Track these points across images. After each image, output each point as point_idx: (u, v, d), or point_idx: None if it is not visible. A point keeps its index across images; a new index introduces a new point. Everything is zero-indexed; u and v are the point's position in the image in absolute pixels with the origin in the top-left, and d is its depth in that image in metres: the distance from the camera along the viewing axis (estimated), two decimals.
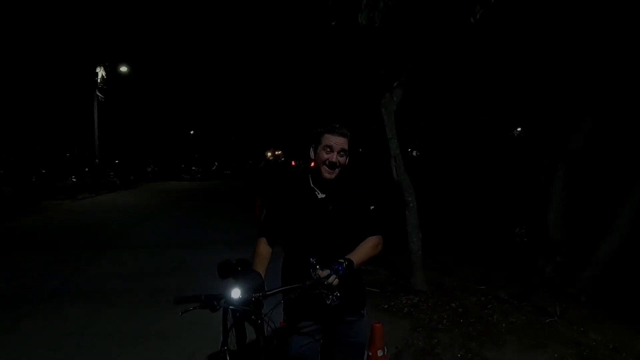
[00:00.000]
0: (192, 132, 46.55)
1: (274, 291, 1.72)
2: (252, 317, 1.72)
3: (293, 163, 33.52)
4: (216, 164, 38.81)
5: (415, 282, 5.11)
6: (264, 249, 2.00)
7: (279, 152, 64.27)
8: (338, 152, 1.88)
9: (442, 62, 5.30)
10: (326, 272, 1.67)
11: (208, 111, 44.32)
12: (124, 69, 24.77)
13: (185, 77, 36.77)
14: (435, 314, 4.48)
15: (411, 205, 5.04)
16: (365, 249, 1.93)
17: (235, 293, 1.64)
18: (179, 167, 33.89)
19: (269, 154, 66.90)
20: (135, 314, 4.55)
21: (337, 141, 1.88)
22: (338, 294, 1.71)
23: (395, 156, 5.04)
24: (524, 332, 4.11)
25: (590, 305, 5.11)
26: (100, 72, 23.19)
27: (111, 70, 24.13)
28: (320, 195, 1.95)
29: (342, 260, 1.77)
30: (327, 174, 1.88)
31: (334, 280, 1.67)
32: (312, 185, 1.98)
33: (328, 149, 1.88)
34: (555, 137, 5.73)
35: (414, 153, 22.64)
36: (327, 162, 1.87)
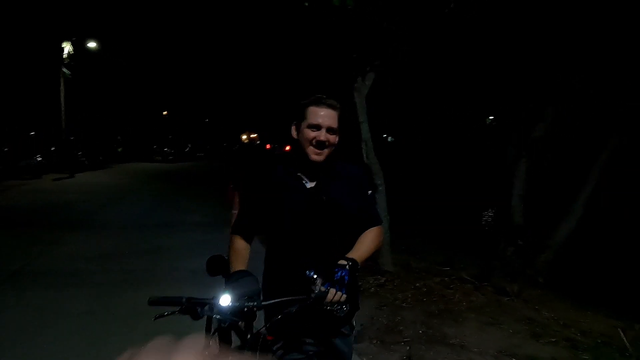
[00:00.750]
0: (165, 112, 45.43)
1: (271, 302, 1.44)
2: (242, 329, 1.52)
3: (268, 146, 33.28)
4: (189, 145, 38.15)
5: (382, 263, 5.26)
6: (241, 245, 1.73)
7: (255, 135, 63.61)
8: (327, 129, 1.59)
9: (416, 48, 5.36)
10: (332, 291, 1.43)
11: (182, 92, 43.29)
12: (92, 44, 23.77)
13: (158, 57, 35.68)
14: (400, 293, 4.65)
15: (380, 188, 5.15)
16: (367, 244, 1.69)
17: (225, 300, 1.37)
18: (150, 148, 33.13)
19: (244, 137, 66.09)
20: (104, 295, 4.51)
21: (326, 115, 1.60)
22: (345, 307, 1.48)
23: (366, 140, 5.11)
24: (482, 310, 4.32)
25: (546, 286, 5.41)
26: (67, 47, 22.15)
27: (79, 46, 23.10)
28: (309, 184, 1.66)
29: (345, 262, 1.51)
30: (315, 155, 1.59)
31: (340, 297, 1.44)
32: (297, 173, 1.68)
33: (314, 126, 1.60)
34: (520, 126, 5.94)
35: (389, 139, 22.91)
36: (314, 141, 1.59)
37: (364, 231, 1.73)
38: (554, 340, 3.72)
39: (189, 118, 51.00)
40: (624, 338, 3.68)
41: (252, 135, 65.82)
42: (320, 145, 1.59)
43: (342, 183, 1.69)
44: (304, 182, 1.66)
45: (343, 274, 1.46)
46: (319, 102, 1.62)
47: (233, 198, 8.20)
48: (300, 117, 1.65)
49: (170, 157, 32.41)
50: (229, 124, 58.18)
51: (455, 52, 6.29)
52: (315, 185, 1.66)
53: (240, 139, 63.66)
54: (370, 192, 1.80)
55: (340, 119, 1.65)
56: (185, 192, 14.57)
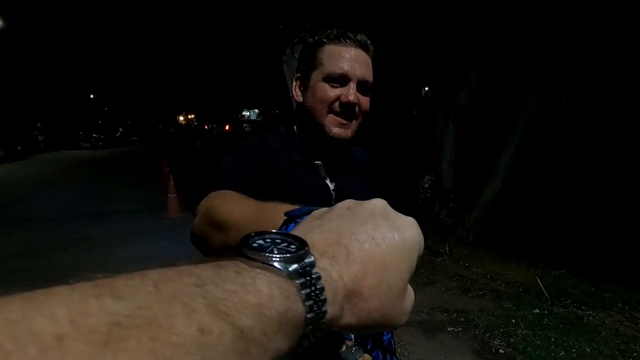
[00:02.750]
0: (92, 96, 42.19)
1: None
2: None
3: (206, 127, 32.16)
4: (121, 130, 35.85)
5: None
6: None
7: (192, 116, 61.19)
8: (358, 83, 0.99)
9: (346, 15, 5.31)
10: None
11: (110, 73, 40.30)
12: None
13: (82, 34, 32.69)
14: None
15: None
16: None
17: None
18: (77, 134, 30.77)
19: (181, 118, 63.39)
20: None
21: (356, 59, 0.99)
22: None
23: None
24: (417, 271, 4.52)
25: (476, 244, 5.79)
26: None
27: None
28: (331, 185, 1.07)
29: None
30: (339, 127, 1.00)
31: None
32: (314, 161, 1.07)
33: (337, 78, 0.99)
34: (444, 92, 6.16)
35: None
36: (336, 103, 0.99)
37: None
38: (481, 293, 4.00)
39: (120, 100, 47.84)
40: (541, 285, 4.03)
41: (189, 116, 63.26)
42: (348, 109, 0.99)
43: (361, 178, 1.15)
44: (324, 177, 1.07)
45: (389, 336, 0.94)
46: (343, 37, 1.00)
47: (168, 181, 7.89)
48: (308, 63, 1.03)
49: (100, 144, 30.33)
50: (163, 105, 55.35)
51: (387, 16, 6.30)
52: (337, 184, 1.08)
53: (176, 120, 60.98)
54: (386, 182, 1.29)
55: (375, 70, 1.04)
56: (117, 179, 13.75)
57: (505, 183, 6.03)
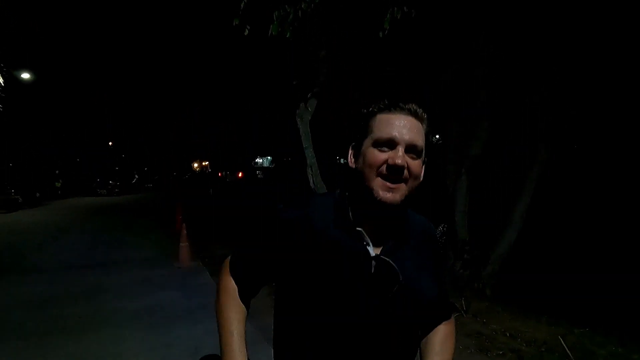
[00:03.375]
0: (110, 143, 43.61)
1: None
2: None
3: (220, 174, 32.69)
4: (136, 176, 36.71)
5: None
6: (236, 308, 1.13)
7: (206, 163, 62.38)
8: (406, 146, 1.01)
9: (354, 73, 5.53)
10: None
11: (128, 121, 41.83)
12: (25, 75, 22.55)
13: (102, 84, 34.36)
14: None
15: None
16: (448, 354, 1.17)
17: None
18: (94, 181, 31.52)
19: (196, 165, 64.65)
20: (34, 347, 4.11)
21: (405, 125, 1.02)
22: None
23: (312, 165, 5.14)
24: None
25: (493, 298, 5.59)
26: None
27: (10, 77, 21.84)
28: (373, 251, 1.04)
29: None
30: (386, 191, 0.99)
31: None
32: (356, 226, 1.05)
33: (385, 142, 1.01)
34: (453, 142, 6.22)
35: (342, 161, 23.25)
36: (383, 166, 1.00)
37: (433, 328, 1.19)
38: (501, 352, 3.81)
39: (136, 148, 49.24)
40: (565, 345, 3.83)
41: (203, 163, 64.50)
42: (395, 172, 0.99)
43: (413, 248, 1.09)
44: (365, 243, 1.04)
45: None
46: (393, 107, 1.04)
47: (181, 230, 7.93)
48: (362, 132, 1.07)
49: (116, 190, 30.99)
50: (178, 152, 56.71)
51: (392, 72, 6.51)
52: (383, 251, 1.04)
53: (191, 167, 62.19)
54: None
55: (428, 140, 1.07)
56: (130, 226, 13.87)
57: (521, 232, 5.92)
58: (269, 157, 43.04)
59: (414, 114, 1.03)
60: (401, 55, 6.12)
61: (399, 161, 0.97)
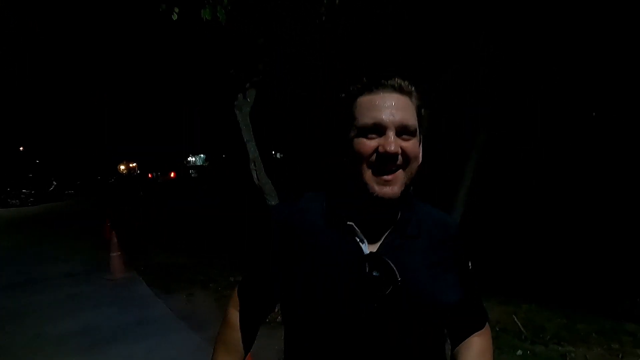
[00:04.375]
0: (21, 148, 39.35)
1: None
2: None
3: (150, 175, 30.86)
4: (55, 183, 33.47)
5: None
6: (229, 355, 1.05)
7: (134, 165, 58.79)
8: (398, 129, 0.86)
9: (296, 61, 5.25)
10: None
11: (43, 123, 37.97)
12: None
13: (8, 82, 30.74)
14: None
15: None
16: None
17: None
18: (3, 191, 28.25)
19: (122, 167, 60.66)
20: None
21: (391, 104, 0.86)
22: None
23: (254, 160, 4.82)
24: None
25: None
26: None
27: None
28: (368, 248, 0.91)
29: None
30: (381, 185, 0.86)
31: None
32: (347, 221, 0.91)
33: (372, 128, 0.86)
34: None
35: (278, 155, 22.91)
36: (373, 156, 0.86)
37: (463, 339, 1.02)
38: None
39: (54, 151, 44.96)
40: (518, 322, 3.92)
41: (131, 165, 60.72)
42: (388, 161, 0.85)
43: (424, 246, 0.93)
44: (357, 239, 0.91)
45: None
46: (374, 85, 0.88)
47: (111, 238, 7.20)
48: (344, 120, 0.91)
49: (31, 199, 28.00)
50: (102, 154, 52.73)
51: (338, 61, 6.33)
52: (380, 249, 0.91)
53: (117, 169, 58.28)
54: (470, 263, 1.02)
55: (421, 115, 0.91)
56: (50, 239, 12.51)
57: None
58: (202, 155, 41.47)
59: (400, 90, 0.90)
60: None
61: (391, 148, 0.84)
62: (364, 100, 0.89)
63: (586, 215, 7.10)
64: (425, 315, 0.90)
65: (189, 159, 42.53)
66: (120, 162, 59.99)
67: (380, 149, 0.85)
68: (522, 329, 3.84)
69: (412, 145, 0.87)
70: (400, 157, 0.86)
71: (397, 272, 0.86)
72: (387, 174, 0.86)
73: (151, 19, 5.35)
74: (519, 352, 3.47)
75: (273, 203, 4.87)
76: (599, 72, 6.17)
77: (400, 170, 0.87)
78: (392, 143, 0.84)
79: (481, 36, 4.93)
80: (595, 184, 7.33)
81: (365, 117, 0.87)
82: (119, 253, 6.89)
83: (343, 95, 0.93)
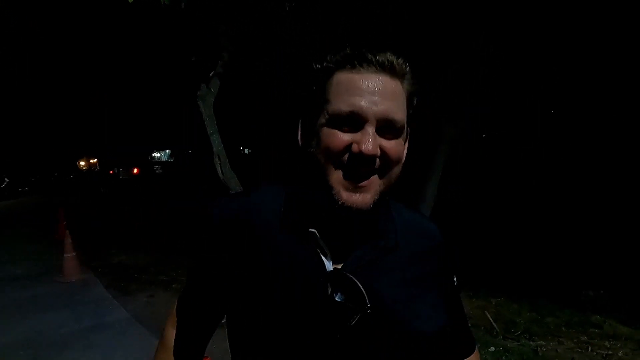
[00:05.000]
0: None
1: None
2: None
3: (111, 172, 29.66)
4: (7, 180, 31.60)
5: None
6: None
7: (94, 161, 56.46)
8: (379, 123, 0.67)
9: (262, 49, 5.00)
10: None
11: None
12: None
13: None
14: None
15: None
16: None
17: None
18: None
19: (82, 163, 58.14)
20: None
21: (376, 89, 0.67)
22: None
23: (219, 153, 4.56)
24: None
25: None
26: None
27: None
28: (331, 264, 0.73)
29: None
30: (351, 193, 0.68)
31: None
32: (309, 228, 0.73)
33: (347, 120, 0.68)
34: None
35: (246, 151, 22.46)
36: (346, 156, 0.68)
37: None
38: None
39: (6, 146, 42.39)
40: (490, 318, 3.89)
41: (91, 161, 58.28)
42: (362, 163, 0.67)
43: (402, 261, 0.76)
44: (319, 252, 0.73)
45: None
46: (358, 60, 0.69)
47: (65, 238, 6.73)
48: (313, 100, 0.73)
49: None
50: (60, 150, 50.23)
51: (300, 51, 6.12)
52: (347, 265, 0.72)
53: (77, 165, 55.79)
54: (456, 278, 0.85)
55: (413, 103, 0.74)
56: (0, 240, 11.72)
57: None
58: (167, 151, 40.28)
59: (391, 70, 0.69)
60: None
61: (367, 148, 0.65)
62: (342, 78, 0.69)
63: (568, 212, 7.24)
64: (401, 349, 0.72)
65: (153, 154, 41.23)
66: (80, 158, 57.50)
67: (355, 148, 0.66)
68: (494, 324, 3.81)
69: (396, 146, 0.69)
70: (378, 159, 0.67)
71: (366, 297, 0.68)
72: (360, 180, 0.67)
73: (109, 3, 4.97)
74: (492, 348, 3.42)
75: None
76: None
77: (376, 176, 0.68)
78: (370, 141, 0.65)
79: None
80: (588, 183, 7.48)
81: (340, 102, 0.67)
82: (74, 254, 6.46)
83: (317, 65, 0.73)
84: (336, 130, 0.68)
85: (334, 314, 0.69)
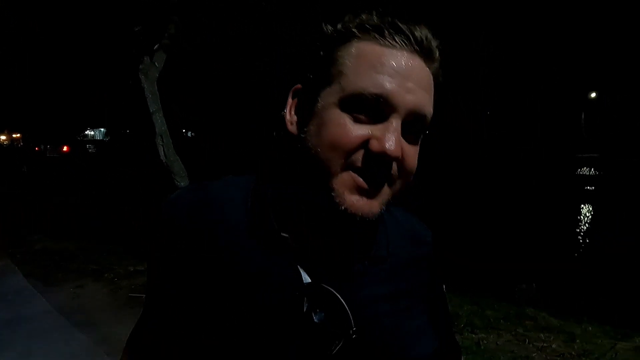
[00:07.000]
0: None
1: None
2: None
3: (37, 149, 27.25)
4: None
5: None
6: None
7: (17, 135, 51.63)
8: (408, 117, 0.52)
9: (215, 24, 4.65)
10: None
11: None
12: None
13: None
14: None
15: None
16: None
17: None
18: None
19: (3, 137, 53.03)
20: None
21: (410, 73, 0.52)
22: None
23: (162, 134, 4.22)
24: None
25: None
26: None
27: None
28: (308, 275, 0.57)
29: None
30: (359, 196, 0.53)
31: None
32: (281, 232, 0.58)
33: (368, 106, 0.51)
34: None
35: (189, 134, 21.52)
36: (361, 152, 0.52)
37: None
38: None
39: None
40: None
41: (13, 135, 53.29)
42: (380, 166, 0.52)
43: (391, 272, 0.63)
44: (294, 261, 0.59)
45: None
46: (391, 30, 0.53)
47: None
48: (318, 70, 0.56)
49: None
50: None
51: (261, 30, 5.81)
52: (328, 277, 0.58)
53: None
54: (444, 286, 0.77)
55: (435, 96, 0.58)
56: None
57: None
58: (102, 129, 37.74)
59: (427, 53, 0.55)
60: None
61: (392, 147, 0.50)
62: (367, 49, 0.53)
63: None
64: None
65: (86, 132, 38.42)
66: (0, 132, 52.37)
67: (375, 146, 0.51)
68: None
69: (415, 154, 0.55)
70: (395, 165, 0.53)
71: (351, 317, 0.55)
72: (371, 184, 0.53)
73: None
74: None
75: (182, 184, 4.33)
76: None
77: (387, 186, 0.54)
78: (395, 139, 0.50)
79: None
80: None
81: (365, 79, 0.51)
82: None
83: (329, 28, 0.56)
84: (348, 118, 0.52)
85: (310, 339, 0.55)
